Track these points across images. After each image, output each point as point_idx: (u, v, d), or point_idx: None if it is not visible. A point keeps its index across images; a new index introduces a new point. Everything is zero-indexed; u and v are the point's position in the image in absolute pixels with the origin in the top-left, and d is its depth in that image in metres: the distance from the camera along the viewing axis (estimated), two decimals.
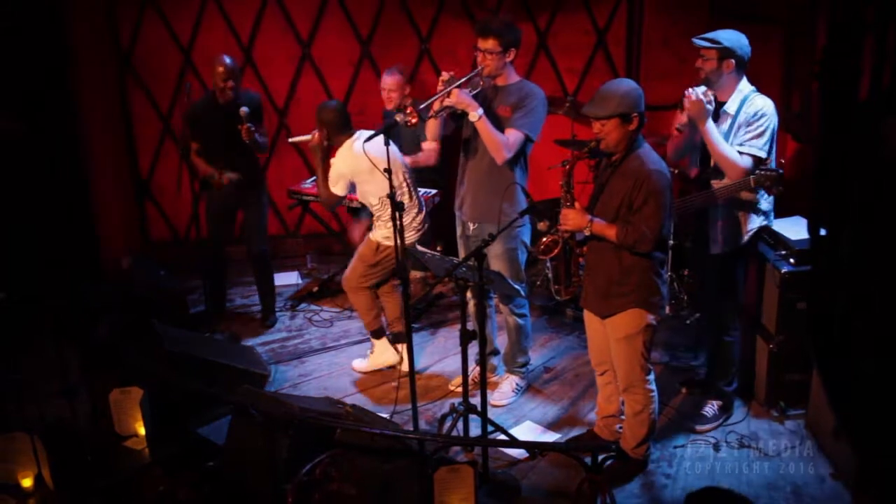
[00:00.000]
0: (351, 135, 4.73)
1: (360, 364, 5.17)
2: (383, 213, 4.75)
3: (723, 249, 4.18)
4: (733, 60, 3.95)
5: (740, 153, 3.95)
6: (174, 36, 6.46)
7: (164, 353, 4.55)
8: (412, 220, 4.81)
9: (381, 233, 4.81)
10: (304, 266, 6.75)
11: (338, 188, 4.75)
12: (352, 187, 4.77)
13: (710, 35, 3.98)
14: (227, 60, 5.21)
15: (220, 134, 5.26)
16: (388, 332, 5.17)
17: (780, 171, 3.86)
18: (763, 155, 3.95)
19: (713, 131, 3.94)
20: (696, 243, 4.59)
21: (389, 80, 5.62)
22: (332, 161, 4.75)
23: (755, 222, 4.16)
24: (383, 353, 5.13)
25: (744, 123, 3.97)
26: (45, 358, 4.66)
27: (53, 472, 3.83)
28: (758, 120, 3.95)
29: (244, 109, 5.13)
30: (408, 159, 5.51)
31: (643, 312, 3.78)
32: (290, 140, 5.38)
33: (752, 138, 3.95)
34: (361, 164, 4.52)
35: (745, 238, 4.18)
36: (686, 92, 3.94)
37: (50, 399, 4.25)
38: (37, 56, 5.75)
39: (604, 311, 3.89)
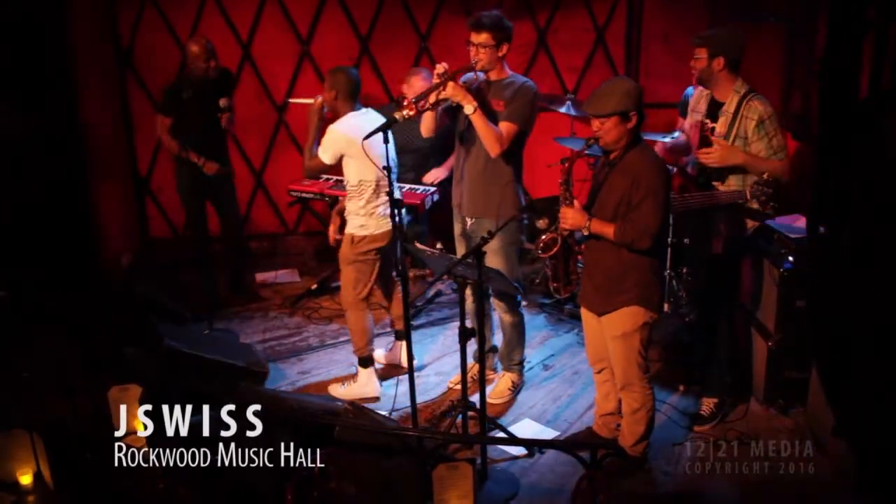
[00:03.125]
0: (356, 109, 4.56)
1: (338, 390, 4.84)
2: (356, 198, 4.58)
3: (724, 249, 4.19)
4: (723, 58, 3.99)
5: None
6: (173, 33, 6.45)
7: (163, 350, 4.55)
8: (377, 207, 4.61)
9: (353, 223, 4.65)
10: (304, 264, 6.75)
11: (327, 155, 4.51)
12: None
13: (702, 34, 4.03)
14: (203, 41, 5.37)
15: (199, 117, 5.43)
16: (392, 330, 5.15)
17: (775, 189, 3.87)
18: (785, 153, 4.01)
19: (752, 157, 3.99)
20: (694, 241, 4.61)
21: (417, 83, 5.61)
22: (331, 127, 4.53)
23: (755, 221, 4.18)
24: (366, 385, 4.82)
25: (754, 136, 3.99)
26: (45, 356, 4.67)
27: (52, 469, 3.83)
28: (767, 126, 3.98)
29: (224, 100, 5.31)
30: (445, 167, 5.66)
31: (641, 310, 3.78)
32: (291, 100, 5.37)
33: (775, 143, 3.98)
34: (357, 137, 4.33)
35: (746, 237, 4.19)
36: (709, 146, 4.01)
37: (49, 397, 4.25)
38: (37, 54, 5.74)
39: (601, 309, 3.90)
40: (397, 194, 4.64)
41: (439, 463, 3.50)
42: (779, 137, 4.01)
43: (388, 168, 4.02)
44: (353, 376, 4.87)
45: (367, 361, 4.84)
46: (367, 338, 4.82)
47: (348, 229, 4.70)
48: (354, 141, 4.39)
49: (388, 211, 4.59)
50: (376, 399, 4.79)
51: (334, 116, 4.60)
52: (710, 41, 4.01)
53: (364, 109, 4.60)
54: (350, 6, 6.55)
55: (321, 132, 4.59)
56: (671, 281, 5.42)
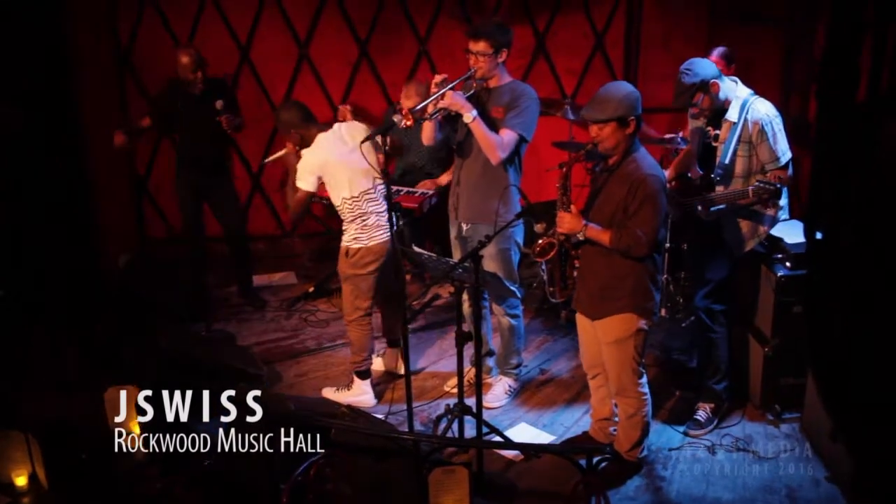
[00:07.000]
0: (321, 128, 4.51)
1: (331, 394, 4.84)
2: (346, 215, 4.56)
3: (748, 248, 4.20)
4: (715, 82, 3.97)
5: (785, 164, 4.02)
6: (173, 35, 6.45)
7: (160, 351, 4.54)
8: (367, 218, 4.56)
9: (346, 237, 4.62)
10: (301, 266, 6.75)
11: (306, 183, 4.45)
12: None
13: (686, 79, 3.97)
14: (192, 51, 5.36)
15: (192, 122, 5.45)
16: (385, 338, 5.13)
17: (778, 185, 3.86)
18: (789, 154, 4.02)
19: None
20: (691, 246, 4.60)
21: (412, 96, 5.61)
22: (303, 152, 4.50)
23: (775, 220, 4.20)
24: (362, 394, 4.77)
25: (757, 140, 3.98)
26: (43, 356, 4.66)
27: (48, 470, 3.82)
28: (770, 129, 3.97)
29: (220, 102, 5.29)
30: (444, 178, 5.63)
31: (634, 317, 3.78)
32: (266, 160, 5.37)
33: (780, 148, 3.98)
34: (330, 156, 4.40)
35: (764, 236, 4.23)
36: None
37: (47, 397, 4.24)
38: (37, 55, 5.74)
39: (595, 315, 3.89)
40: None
41: (435, 466, 3.50)
42: (782, 141, 3.99)
43: (385, 173, 4.02)
44: (348, 384, 4.84)
45: (364, 374, 4.81)
46: (367, 353, 4.79)
47: (343, 242, 4.67)
48: (327, 161, 4.45)
49: (381, 221, 4.57)
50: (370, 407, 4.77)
51: (308, 146, 4.54)
52: (696, 80, 3.94)
53: (335, 126, 4.56)
54: (349, 9, 6.55)
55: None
56: (668, 286, 5.42)
